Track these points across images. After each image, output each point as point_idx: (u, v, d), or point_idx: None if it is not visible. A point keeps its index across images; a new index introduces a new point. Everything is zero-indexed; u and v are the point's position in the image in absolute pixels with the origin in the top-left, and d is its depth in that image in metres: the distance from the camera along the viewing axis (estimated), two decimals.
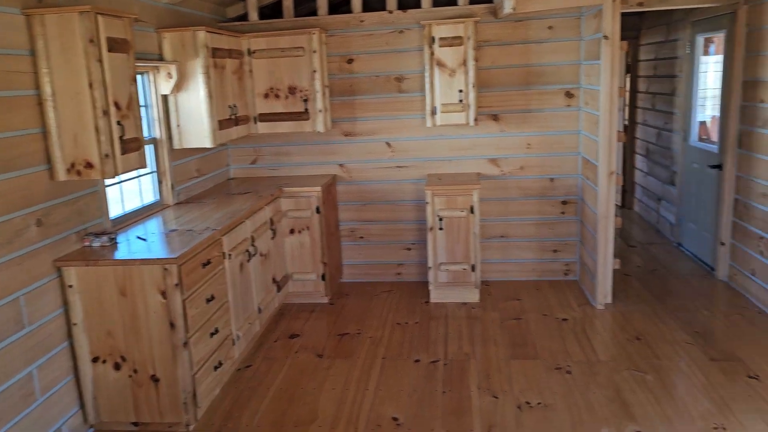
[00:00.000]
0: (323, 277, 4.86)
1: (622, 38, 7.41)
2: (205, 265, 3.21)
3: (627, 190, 7.73)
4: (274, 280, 4.53)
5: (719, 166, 5.02)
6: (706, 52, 5.58)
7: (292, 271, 4.87)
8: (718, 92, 5.15)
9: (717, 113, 5.15)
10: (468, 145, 5.13)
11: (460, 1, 4.87)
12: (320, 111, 4.86)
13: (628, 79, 7.54)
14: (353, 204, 5.35)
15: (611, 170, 4.44)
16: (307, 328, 4.45)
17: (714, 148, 5.17)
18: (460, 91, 4.72)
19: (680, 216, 5.99)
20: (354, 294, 5.14)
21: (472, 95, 4.71)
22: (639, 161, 7.40)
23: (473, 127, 5.09)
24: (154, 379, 3.01)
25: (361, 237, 5.39)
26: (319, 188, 4.71)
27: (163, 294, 2.91)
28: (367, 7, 5.14)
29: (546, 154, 5.07)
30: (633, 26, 7.29)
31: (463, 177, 4.97)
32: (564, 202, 5.14)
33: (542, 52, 4.90)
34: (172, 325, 2.93)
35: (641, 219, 7.20)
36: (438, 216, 4.69)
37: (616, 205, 7.79)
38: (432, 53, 4.70)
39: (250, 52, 4.83)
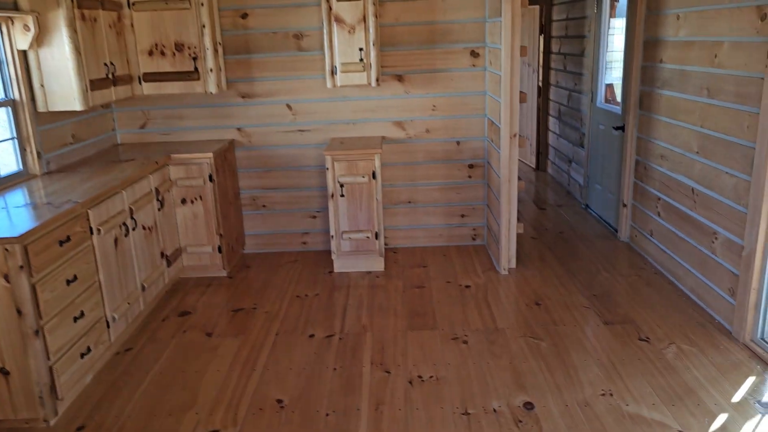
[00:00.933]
0: (219, 249, 4.58)
1: None
2: (63, 242, 2.88)
3: (541, 152, 7.73)
4: (163, 255, 4.22)
5: (622, 128, 5.01)
6: (613, 14, 5.52)
7: (185, 244, 4.57)
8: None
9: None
10: (372, 107, 4.91)
11: None
12: (211, 70, 4.51)
13: (541, 40, 7.46)
14: (254, 171, 5.05)
15: (513, 132, 4.32)
16: (201, 304, 4.19)
17: (618, 109, 5.15)
18: (361, 49, 4.46)
19: (588, 178, 6.01)
20: (256, 266, 4.89)
21: (373, 54, 4.47)
22: (552, 123, 7.39)
23: (377, 89, 4.86)
24: (3, 372, 2.70)
25: (264, 206, 5.13)
26: (210, 154, 4.39)
27: (6, 278, 2.58)
28: None
29: (452, 116, 4.91)
30: None
31: (367, 141, 4.75)
32: (471, 166, 5.02)
33: (447, 9, 4.70)
34: (19, 312, 2.62)
35: (554, 181, 7.22)
36: (339, 182, 4.47)
37: (530, 167, 7.82)
38: (330, 8, 4.40)
39: (129, 4, 4.39)
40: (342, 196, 4.50)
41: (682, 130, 4.03)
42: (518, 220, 4.53)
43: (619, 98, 5.34)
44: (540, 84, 7.57)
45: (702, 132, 3.79)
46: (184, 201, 4.49)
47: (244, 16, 4.73)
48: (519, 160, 8.21)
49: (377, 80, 4.52)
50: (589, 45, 5.85)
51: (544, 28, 7.36)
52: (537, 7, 7.41)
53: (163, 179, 4.29)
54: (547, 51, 7.37)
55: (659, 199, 4.42)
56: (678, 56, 4.07)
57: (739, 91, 3.35)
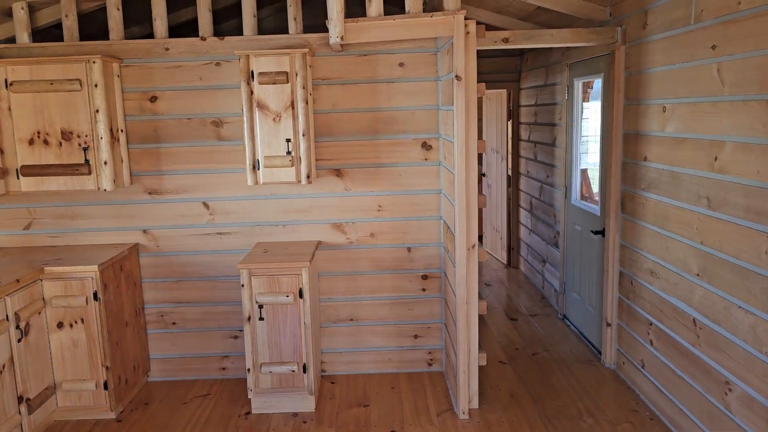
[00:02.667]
0: (105, 386, 3.62)
1: (502, 81, 6.76)
2: None
3: (513, 247, 6.97)
4: (22, 399, 3.25)
5: (602, 232, 4.26)
6: (586, 98, 4.88)
7: (61, 379, 3.61)
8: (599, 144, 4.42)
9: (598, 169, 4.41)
10: (306, 206, 4.11)
11: (292, 29, 3.89)
12: (106, 163, 3.70)
13: (509, 126, 6.85)
14: (162, 281, 4.17)
15: (472, 243, 3.53)
16: None
17: (596, 209, 4.42)
18: (288, 140, 3.70)
19: (564, 284, 5.21)
20: (158, 401, 3.92)
21: (303, 146, 3.71)
22: (524, 216, 6.66)
23: (312, 185, 4.08)
24: None
25: (174, 323, 4.21)
26: (95, 268, 3.51)
27: None
28: (175, 32, 4.08)
29: (401, 218, 4.12)
30: (513, 68, 6.62)
31: (297, 248, 3.92)
32: (425, 277, 4.19)
33: (394, 94, 4.00)
34: None
35: (527, 281, 6.42)
36: (257, 303, 3.60)
37: (501, 263, 7.00)
38: (251, 92, 3.67)
39: (7, 84, 3.62)
40: (261, 319, 3.62)
41: (677, 243, 3.27)
42: (480, 348, 3.67)
43: (596, 195, 4.62)
44: (509, 173, 6.90)
45: (703, 250, 3.02)
46: (60, 325, 3.57)
47: (153, 99, 3.98)
48: (488, 253, 7.43)
49: (308, 177, 3.74)
50: (561, 134, 5.20)
51: (512, 113, 6.76)
52: (504, 90, 6.83)
53: (31, 299, 3.39)
54: (516, 138, 6.74)
55: (650, 323, 3.61)
56: (666, 155, 3.36)
57: (751, 206, 2.60)
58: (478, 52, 6.50)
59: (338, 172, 4.08)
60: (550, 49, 5.47)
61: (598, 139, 4.34)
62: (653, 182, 3.53)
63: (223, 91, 3.98)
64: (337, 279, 4.18)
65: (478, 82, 3.44)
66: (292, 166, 3.73)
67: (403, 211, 4.11)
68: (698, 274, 3.07)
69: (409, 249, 4.15)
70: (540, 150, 5.92)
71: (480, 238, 8.30)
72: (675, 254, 3.30)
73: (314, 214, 4.12)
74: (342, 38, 3.29)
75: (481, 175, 7.97)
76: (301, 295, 3.60)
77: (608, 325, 4.19)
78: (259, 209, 4.10)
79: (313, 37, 3.86)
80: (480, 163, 8.89)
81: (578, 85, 4.82)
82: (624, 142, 3.94)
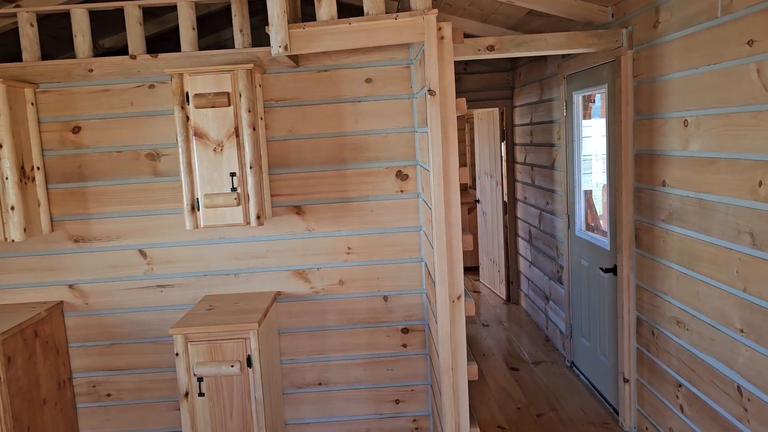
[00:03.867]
0: None
1: (493, 98, 6.14)
2: None
3: (512, 281, 6.30)
4: None
5: (613, 270, 3.60)
6: (587, 115, 4.26)
7: None
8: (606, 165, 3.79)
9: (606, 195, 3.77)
10: (262, 251, 3.47)
11: (238, 42, 3.29)
12: (13, 208, 3.07)
13: (503, 147, 6.23)
14: (93, 345, 3.51)
15: (456, 294, 2.87)
16: None
17: (605, 242, 3.76)
18: (233, 174, 3.07)
19: (571, 327, 4.54)
20: None
21: (252, 180, 3.07)
22: (522, 247, 6.01)
23: (267, 226, 3.44)
24: None
25: (109, 394, 3.54)
26: None
27: None
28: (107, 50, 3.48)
29: (375, 261, 3.47)
30: (505, 83, 6.03)
31: (249, 302, 3.27)
32: (405, 331, 3.53)
33: (361, 115, 3.38)
34: None
35: (529, 321, 5.73)
36: (195, 375, 2.93)
37: (500, 298, 6.28)
38: (187, 117, 3.05)
39: None
40: (201, 395, 2.95)
41: (711, 289, 2.62)
42: (472, 419, 2.99)
43: (604, 223, 3.98)
44: (505, 199, 6.26)
45: (747, 299, 2.36)
46: None
47: (77, 129, 3.36)
48: (486, 286, 6.75)
49: (259, 218, 3.10)
50: (560, 156, 4.57)
51: (506, 134, 6.14)
52: (496, 109, 6.23)
53: None
54: (512, 160, 6.12)
55: (680, 385, 2.94)
56: (692, 179, 2.72)
57: None
58: (464, 68, 5.92)
59: (298, 210, 3.44)
60: (545, 60, 4.88)
61: (603, 159, 3.71)
62: (676, 212, 2.89)
63: (159, 117, 3.37)
64: (301, 336, 3.52)
65: (459, 98, 2.81)
66: (239, 205, 3.09)
67: (377, 253, 3.46)
68: (742, 330, 2.41)
69: (385, 298, 3.50)
70: (538, 173, 5.29)
71: (476, 269, 7.63)
72: (709, 302, 2.64)
73: (272, 259, 3.47)
74: (287, 48, 2.67)
75: (475, 201, 7.34)
76: (249, 364, 2.94)
77: (626, 381, 3.51)
78: (206, 256, 3.46)
79: (263, 52, 3.25)
80: (473, 188, 8.27)
81: (578, 99, 4.20)
82: (636, 164, 3.30)
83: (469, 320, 5.80)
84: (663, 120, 2.97)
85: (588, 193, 4.28)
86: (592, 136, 4.26)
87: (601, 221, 4.45)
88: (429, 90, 2.69)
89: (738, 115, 2.37)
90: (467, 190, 8.82)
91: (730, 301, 2.48)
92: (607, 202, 3.69)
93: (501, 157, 6.23)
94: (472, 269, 7.72)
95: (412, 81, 3.33)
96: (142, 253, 3.45)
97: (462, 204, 7.40)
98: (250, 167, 3.08)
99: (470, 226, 7.61)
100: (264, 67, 3.32)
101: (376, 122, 3.37)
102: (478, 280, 7.29)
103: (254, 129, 3.08)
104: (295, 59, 3.29)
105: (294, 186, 3.43)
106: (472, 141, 8.18)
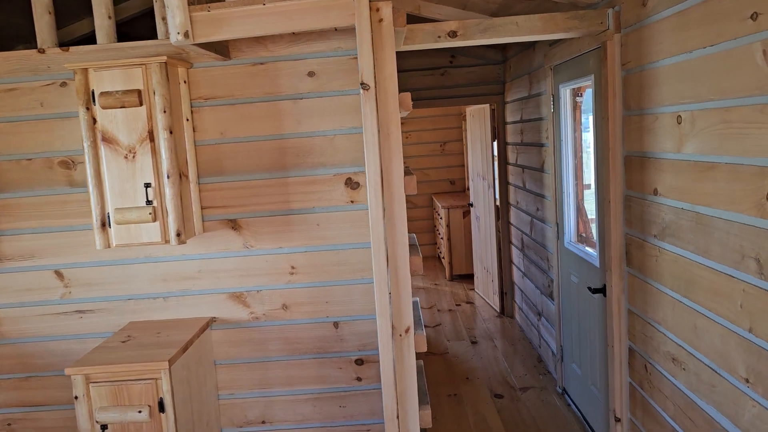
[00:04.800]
0: None
1: (483, 94, 5.60)
2: None
3: (506, 292, 5.80)
4: None
5: (602, 291, 3.10)
6: (577, 111, 3.76)
7: None
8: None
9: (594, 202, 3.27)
10: (192, 271, 3.02)
11: (160, 33, 2.83)
12: None
13: (495, 147, 5.73)
14: (7, 378, 3.10)
15: (405, 326, 2.40)
16: None
17: (595, 258, 3.26)
18: (148, 185, 2.63)
19: (562, 349, 4.04)
20: None
21: (170, 192, 2.63)
22: (516, 256, 5.51)
23: (199, 243, 2.99)
24: None
25: None
26: None
27: None
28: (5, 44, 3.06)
29: (323, 282, 3.01)
30: (495, 77, 5.53)
31: (174, 332, 2.83)
32: (359, 361, 3.06)
33: (303, 115, 2.92)
34: None
35: (522, 337, 5.23)
36: (98, 422, 2.49)
37: (494, 310, 5.66)
38: (93, 119, 2.61)
39: None
40: None
41: (710, 324, 2.12)
42: None
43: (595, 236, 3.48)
44: (497, 203, 5.76)
45: (753, 342, 1.87)
46: None
47: None
48: (480, 297, 6.26)
49: (179, 235, 2.66)
50: (549, 157, 4.07)
51: (497, 132, 5.64)
52: (486, 105, 5.73)
53: None
54: (504, 161, 5.62)
55: None
56: (686, 188, 2.22)
57: None
58: (450, 61, 5.43)
59: (234, 224, 2.99)
60: (533, 49, 4.38)
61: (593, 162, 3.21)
62: (669, 227, 2.39)
63: (74, 119, 2.94)
64: (240, 368, 3.07)
65: (404, 93, 2.34)
66: (155, 220, 2.64)
67: (325, 273, 3.00)
68: (747, 380, 1.91)
69: (336, 324, 3.03)
70: (528, 176, 4.79)
71: (471, 277, 7.14)
72: (708, 340, 2.14)
73: (205, 281, 3.02)
74: (188, 35, 2.22)
75: (468, 204, 6.84)
76: (162, 409, 2.49)
77: (617, 420, 3.01)
78: (130, 277, 3.02)
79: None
80: (468, 190, 7.77)
81: (565, 93, 3.70)
82: (626, 168, 2.80)
83: (457, 336, 5.32)
84: (653, 116, 2.47)
85: (579, 206, 3.78)
86: (581, 136, 3.75)
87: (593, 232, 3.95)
88: (362, 84, 2.21)
89: (740, 109, 1.87)
90: (465, 191, 8.33)
91: (733, 342, 1.98)
92: (595, 212, 3.20)
93: (493, 157, 5.73)
94: (467, 277, 7.23)
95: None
96: (59, 274, 3.02)
97: (456, 207, 6.92)
98: (168, 176, 2.63)
99: (464, 231, 7.12)
100: (191, 60, 2.87)
101: (321, 122, 2.91)
102: (473, 289, 6.80)
103: (171, 132, 2.63)
104: (226, 50, 2.84)
105: (228, 197, 2.97)
106: (465, 140, 7.68)
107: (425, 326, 5.64)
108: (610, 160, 2.85)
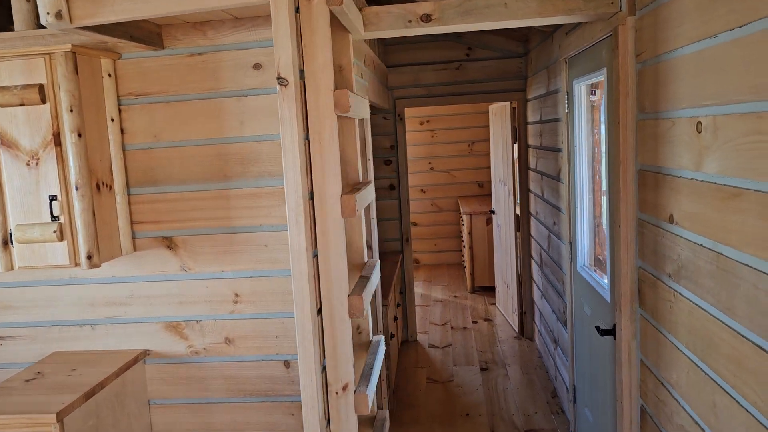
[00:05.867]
0: None
1: (505, 90, 4.95)
2: None
3: (526, 312, 5.22)
4: None
5: (611, 332, 2.53)
6: (595, 110, 3.17)
7: None
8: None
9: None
10: (123, 296, 2.61)
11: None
12: None
13: (515, 150, 5.16)
14: None
15: (342, 383, 1.92)
16: None
17: (607, 290, 2.69)
18: (53, 198, 2.22)
19: (575, 389, 3.47)
20: None
21: (80, 206, 2.22)
22: (535, 271, 4.92)
23: (131, 264, 2.57)
24: None
25: None
26: None
27: None
28: None
29: (272, 313, 2.55)
30: (516, 71, 4.95)
31: (93, 368, 2.42)
32: None
33: (249, 115, 2.45)
34: None
35: (540, 365, 4.66)
36: None
37: (513, 330, 4.93)
38: None
39: None
40: None
41: (733, 405, 1.56)
42: None
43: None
44: (517, 212, 5.18)
45: None
46: None
47: None
48: (500, 313, 5.68)
49: (90, 257, 2.24)
50: (564, 164, 3.49)
51: (518, 133, 5.06)
52: (507, 103, 5.15)
53: None
54: (524, 166, 5.03)
55: None
56: (706, 218, 1.66)
57: None
58: (467, 54, 4.88)
59: (170, 243, 2.55)
60: (551, 39, 3.80)
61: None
62: (686, 266, 1.82)
63: None
64: (179, 409, 2.64)
65: (340, 90, 1.83)
66: (62, 239, 2.23)
67: (275, 302, 2.53)
68: None
69: (286, 363, 2.57)
70: (546, 185, 4.21)
71: (493, 290, 6.56)
72: (730, 425, 1.57)
73: (137, 308, 2.60)
74: (60, 16, 1.78)
75: (490, 212, 6.26)
76: None
77: None
78: (55, 300, 2.63)
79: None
80: (489, 194, 7.19)
81: (580, 90, 3.12)
82: (639, 185, 2.23)
83: (467, 360, 4.78)
84: (670, 121, 1.90)
85: (596, 216, 3.19)
86: (598, 141, 3.17)
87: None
88: (278, 78, 1.73)
89: None
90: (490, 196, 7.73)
91: None
92: (607, 236, 2.62)
93: (513, 161, 5.15)
94: (490, 289, 6.66)
95: None
96: None
97: (479, 214, 6.35)
98: (76, 188, 2.21)
99: (488, 240, 6.54)
100: (118, 50, 2.44)
101: (270, 124, 2.44)
102: (494, 304, 6.23)
103: (80, 135, 2.21)
104: (157, 38, 2.40)
105: (162, 211, 2.54)
106: (488, 141, 7.09)
107: (433, 346, 5.12)
108: (621, 174, 2.28)
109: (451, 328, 5.58)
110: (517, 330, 5.33)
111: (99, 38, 2.11)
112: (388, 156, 5.18)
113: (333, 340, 1.91)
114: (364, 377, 2.06)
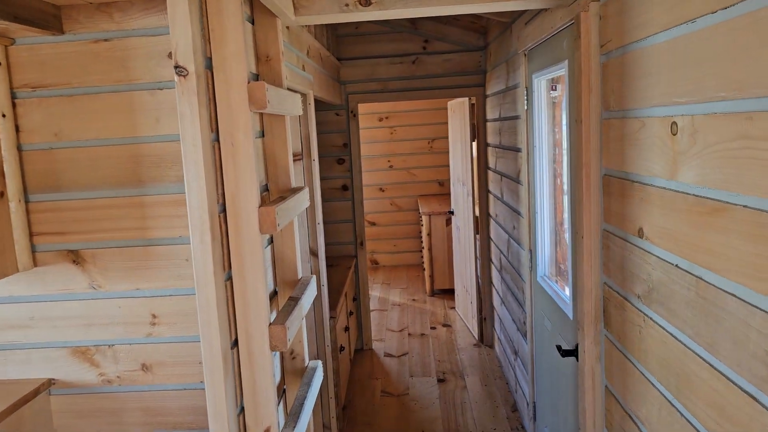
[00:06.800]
0: None
1: (463, 85, 4.66)
2: None
3: (485, 317, 5.00)
4: None
5: (574, 352, 2.30)
6: (556, 108, 2.94)
7: None
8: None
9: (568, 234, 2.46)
10: (23, 317, 2.27)
11: None
12: None
13: (474, 149, 4.93)
14: None
15: (264, 426, 1.62)
16: None
17: (569, 305, 2.46)
18: None
19: (535, 405, 3.25)
20: None
21: None
22: (495, 277, 4.70)
23: (31, 280, 2.23)
24: None
25: None
26: None
27: None
28: None
29: (195, 337, 2.25)
30: (476, 66, 4.71)
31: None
32: None
33: (166, 110, 2.14)
34: None
35: (500, 375, 4.43)
36: None
37: (472, 336, 4.67)
38: None
39: None
40: None
41: None
42: None
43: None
44: (477, 213, 4.96)
45: None
46: None
47: None
48: (460, 318, 5.45)
49: None
50: (524, 165, 3.26)
51: (477, 131, 4.83)
52: (465, 100, 4.91)
53: None
54: (484, 165, 4.81)
55: None
56: (682, 235, 1.42)
57: None
58: (423, 47, 4.62)
59: (76, 257, 2.22)
60: (510, 30, 3.56)
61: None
62: (657, 288, 1.58)
63: None
64: None
65: (256, 83, 1.54)
66: None
67: (198, 324, 2.22)
68: None
69: None
70: (506, 186, 3.98)
71: (451, 292, 6.34)
72: None
73: (40, 331, 2.27)
74: None
75: (449, 212, 6.03)
76: None
77: None
78: None
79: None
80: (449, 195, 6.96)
81: (540, 85, 2.88)
82: (604, 192, 1.99)
83: (424, 370, 4.53)
84: (639, 121, 1.66)
85: (557, 223, 2.96)
86: (556, 142, 2.94)
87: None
88: (176, 67, 1.43)
89: None
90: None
91: None
92: (569, 247, 2.39)
93: (472, 160, 4.92)
94: (450, 292, 6.44)
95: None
96: None
97: (438, 214, 6.11)
98: None
99: (447, 241, 6.32)
100: (9, 35, 2.10)
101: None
102: (454, 308, 6.00)
103: None
104: (55, 21, 2.07)
105: (67, 220, 2.21)
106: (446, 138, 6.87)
107: (389, 355, 4.86)
108: (584, 179, 2.04)
109: (409, 334, 5.33)
110: (476, 337, 5.11)
111: None
112: (341, 155, 4.89)
113: (251, 377, 1.63)
114: (291, 416, 1.78)
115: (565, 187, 2.86)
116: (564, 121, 2.78)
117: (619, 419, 1.96)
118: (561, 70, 2.41)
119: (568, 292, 2.55)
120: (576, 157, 2.13)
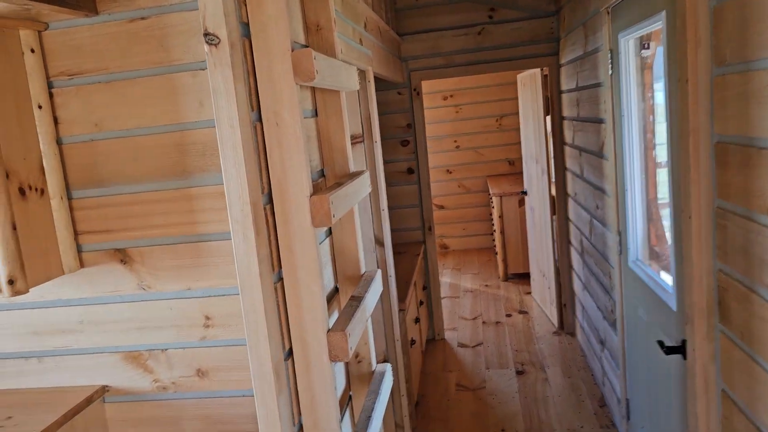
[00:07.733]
0: None
1: (535, 55, 4.24)
2: None
3: (565, 303, 4.66)
4: None
5: (680, 351, 1.98)
6: (647, 70, 2.57)
7: None
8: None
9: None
10: (72, 321, 2.16)
11: None
12: None
13: (547, 123, 4.57)
14: None
15: None
16: None
17: (671, 294, 2.13)
18: None
19: (628, 403, 2.92)
20: None
21: None
22: (575, 259, 4.35)
23: (78, 282, 2.11)
24: None
25: None
26: None
27: None
28: None
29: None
30: (548, 33, 4.34)
31: (36, 414, 1.98)
32: None
33: (209, 93, 1.94)
34: None
35: (584, 365, 4.11)
36: None
37: (551, 323, 4.33)
38: None
39: None
40: None
41: None
42: None
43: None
44: (553, 193, 4.61)
45: None
46: None
47: None
48: (537, 304, 5.13)
49: (12, 282, 1.78)
50: (608, 137, 2.91)
51: (551, 104, 4.46)
52: (537, 70, 4.55)
53: None
54: (559, 141, 4.44)
55: None
56: None
57: None
58: (489, 16, 4.30)
59: (123, 256, 2.08)
60: None
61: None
62: None
63: None
64: None
65: (302, 50, 1.31)
66: None
67: None
68: None
69: None
70: (586, 161, 3.62)
71: (528, 276, 6.01)
72: None
73: (89, 335, 2.15)
74: None
75: (522, 192, 5.68)
76: None
77: None
78: None
79: None
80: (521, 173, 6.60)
81: (627, 45, 2.53)
82: (717, 164, 1.66)
83: (501, 362, 4.26)
84: (766, 71, 1.33)
85: (651, 200, 2.61)
86: (652, 107, 2.57)
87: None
88: (206, 34, 1.21)
89: None
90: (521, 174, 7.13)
91: None
92: (671, 228, 2.06)
93: (546, 135, 4.56)
94: (524, 276, 6.10)
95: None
96: None
97: (510, 195, 5.78)
98: None
99: (521, 223, 5.97)
100: (42, 19, 1.96)
101: None
102: (530, 293, 5.67)
103: None
104: (90, 1, 1.91)
105: (112, 217, 2.06)
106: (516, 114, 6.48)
107: (463, 345, 4.61)
108: (691, 149, 1.71)
109: (483, 323, 5.05)
110: (556, 324, 4.78)
111: (14, 1, 1.62)
112: (405, 136, 4.64)
113: (310, 391, 1.42)
114: (359, 430, 1.56)
115: (661, 159, 2.51)
116: (659, 85, 2.43)
117: (743, 428, 1.64)
118: (657, 24, 2.07)
119: (669, 280, 2.22)
120: (680, 123, 1.80)
